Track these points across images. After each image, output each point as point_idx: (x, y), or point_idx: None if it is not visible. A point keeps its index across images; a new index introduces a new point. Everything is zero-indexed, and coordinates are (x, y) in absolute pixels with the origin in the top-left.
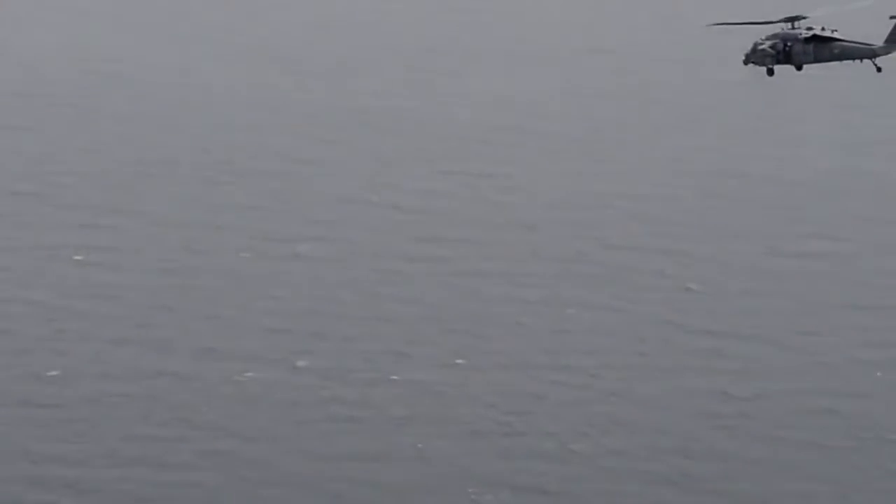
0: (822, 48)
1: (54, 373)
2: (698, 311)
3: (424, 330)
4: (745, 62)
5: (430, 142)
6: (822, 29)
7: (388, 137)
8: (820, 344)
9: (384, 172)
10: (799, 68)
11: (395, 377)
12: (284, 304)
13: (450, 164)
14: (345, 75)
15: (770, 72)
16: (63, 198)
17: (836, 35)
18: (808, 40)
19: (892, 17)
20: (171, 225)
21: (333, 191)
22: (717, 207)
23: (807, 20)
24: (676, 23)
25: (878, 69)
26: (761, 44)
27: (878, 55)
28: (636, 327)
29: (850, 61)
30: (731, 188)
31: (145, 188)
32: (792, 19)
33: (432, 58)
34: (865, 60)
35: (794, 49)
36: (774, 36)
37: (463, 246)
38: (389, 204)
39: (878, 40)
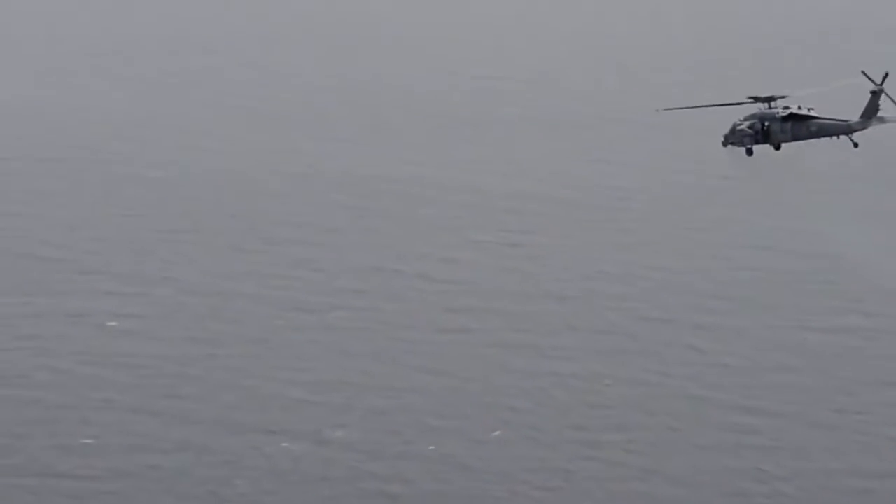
0: (799, 126)
1: (82, 442)
2: (732, 385)
3: (455, 403)
4: (724, 143)
5: (457, 210)
6: (799, 107)
7: (415, 205)
8: (855, 421)
9: (412, 241)
10: (777, 147)
11: (425, 450)
12: (313, 374)
13: (478, 233)
14: (370, 140)
15: (749, 152)
16: (90, 264)
17: (812, 113)
18: (785, 119)
19: (865, 76)
20: (198, 293)
21: (361, 260)
22: (748, 280)
23: (785, 99)
24: (700, 91)
25: (855, 145)
26: (740, 124)
27: (855, 131)
28: (668, 402)
29: (827, 138)
30: (761, 261)
31: (173, 255)
32: (767, 99)
33: (456, 124)
34: (843, 136)
35: (772, 128)
36: (752, 116)
37: (493, 317)
38: (418, 273)
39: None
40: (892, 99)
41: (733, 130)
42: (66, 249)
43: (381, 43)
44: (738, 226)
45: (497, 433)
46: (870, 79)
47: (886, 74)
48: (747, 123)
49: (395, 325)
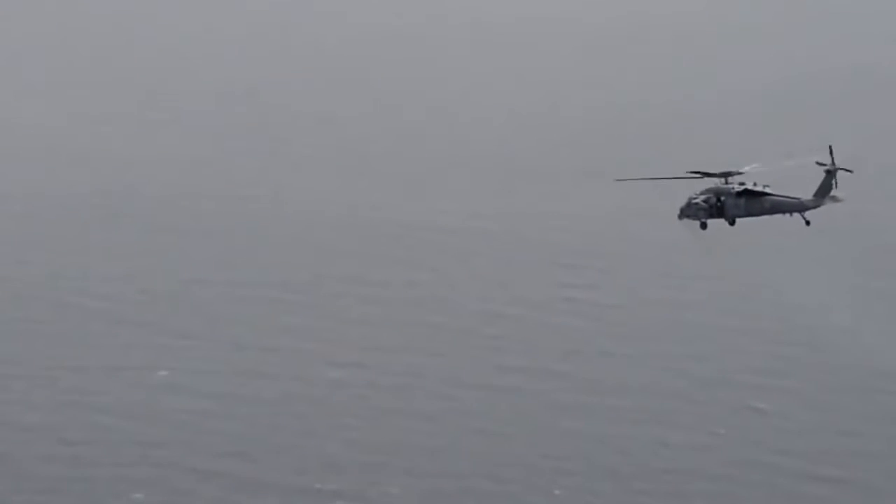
0: (753, 202)
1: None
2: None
3: (507, 470)
4: (680, 216)
5: (503, 264)
6: (754, 184)
7: (459, 256)
8: None
9: (457, 294)
10: (732, 223)
11: None
12: (362, 433)
13: (523, 289)
14: (417, 190)
15: (703, 226)
16: (132, 316)
17: (766, 190)
18: (739, 195)
19: (819, 164)
20: (236, 347)
21: (400, 314)
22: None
23: (742, 175)
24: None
25: (807, 223)
26: (695, 198)
27: (808, 209)
28: (728, 468)
29: (780, 215)
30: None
31: (212, 308)
32: (723, 174)
33: (510, 174)
34: (795, 214)
35: (726, 203)
36: (708, 191)
37: (540, 376)
38: (464, 328)
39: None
40: (841, 169)
41: (689, 204)
42: (106, 300)
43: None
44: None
45: (557, 492)
46: (831, 157)
47: (831, 149)
48: (703, 198)
49: (441, 380)
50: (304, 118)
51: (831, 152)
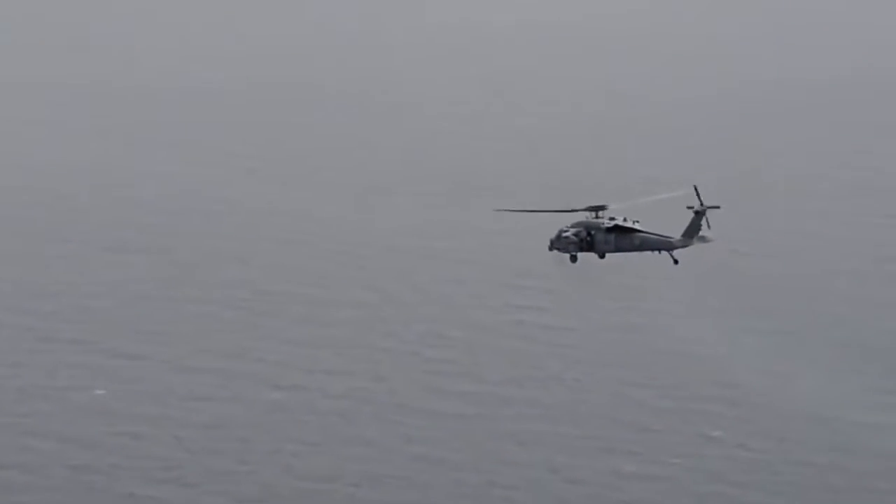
0: (623, 238)
1: None
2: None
3: (452, 500)
4: (550, 248)
5: (451, 284)
6: (624, 219)
7: (405, 275)
8: None
9: (402, 314)
10: (602, 256)
11: None
12: (301, 459)
13: (471, 310)
14: (365, 203)
15: (573, 258)
16: (66, 334)
17: (637, 226)
18: (610, 230)
19: (689, 208)
20: (172, 368)
21: (343, 335)
22: None
23: (608, 210)
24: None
25: (675, 262)
26: (566, 231)
27: (676, 248)
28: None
29: (649, 252)
30: None
31: (149, 327)
32: (595, 208)
33: (462, 188)
34: (664, 252)
35: (596, 238)
36: (578, 224)
37: (488, 402)
38: (408, 350)
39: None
40: (707, 220)
41: (559, 237)
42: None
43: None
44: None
45: None
46: (698, 195)
47: (696, 189)
48: (573, 231)
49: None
50: (249, 127)
51: (698, 193)
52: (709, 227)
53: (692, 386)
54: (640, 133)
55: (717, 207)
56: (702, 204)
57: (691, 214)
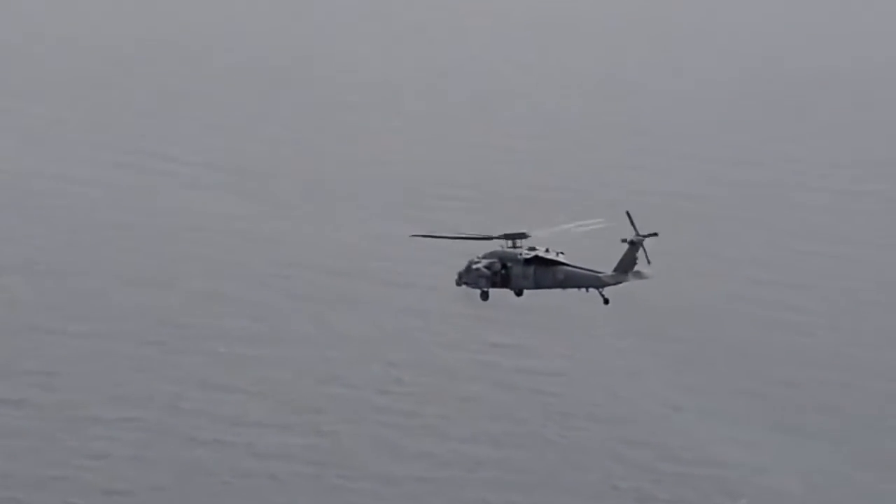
0: (544, 272)
1: None
2: None
3: None
4: (458, 283)
5: (409, 315)
6: (546, 250)
7: (351, 302)
8: None
9: (347, 353)
10: (518, 293)
11: None
12: None
13: (432, 349)
14: (307, 216)
15: (484, 295)
16: None
17: (561, 258)
18: (528, 262)
19: (623, 241)
20: (70, 420)
21: (276, 378)
22: None
23: (529, 239)
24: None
25: (606, 301)
26: (477, 262)
27: (607, 285)
28: None
29: (576, 290)
30: None
31: (45, 366)
32: (513, 237)
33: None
34: (592, 290)
35: (512, 271)
36: (492, 254)
37: (450, 463)
38: (356, 398)
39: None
40: (646, 253)
41: (469, 269)
42: None
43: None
44: None
45: None
46: (632, 223)
47: (630, 215)
48: (485, 263)
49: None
50: (189, 133)
51: (631, 220)
52: (648, 261)
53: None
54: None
55: (655, 235)
56: (637, 233)
57: (625, 246)
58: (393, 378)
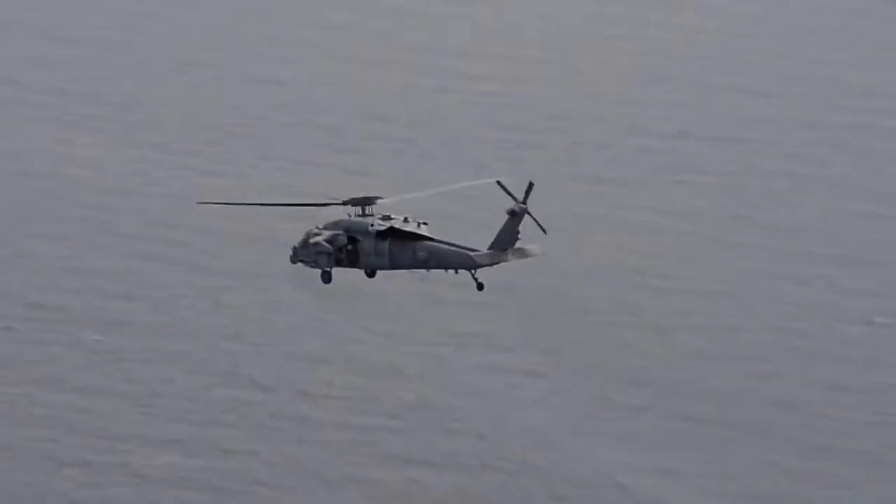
0: (402, 249)
1: None
2: None
3: None
4: (292, 260)
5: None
6: (405, 220)
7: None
8: None
9: None
10: (370, 274)
11: None
12: None
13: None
14: None
15: (326, 276)
16: None
17: (423, 231)
18: (382, 235)
19: (501, 187)
20: None
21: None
22: None
23: (380, 205)
24: None
25: (480, 286)
26: (316, 234)
27: (480, 265)
28: None
29: (442, 271)
30: None
31: None
32: (361, 202)
33: None
34: (463, 271)
35: (362, 246)
36: (336, 224)
37: None
38: None
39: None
40: (538, 223)
41: (305, 243)
42: None
43: None
44: None
45: None
46: (507, 192)
47: (531, 185)
48: (327, 235)
49: None
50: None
51: (505, 188)
52: (544, 231)
53: None
54: None
55: (531, 186)
56: (516, 200)
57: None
58: (319, 379)
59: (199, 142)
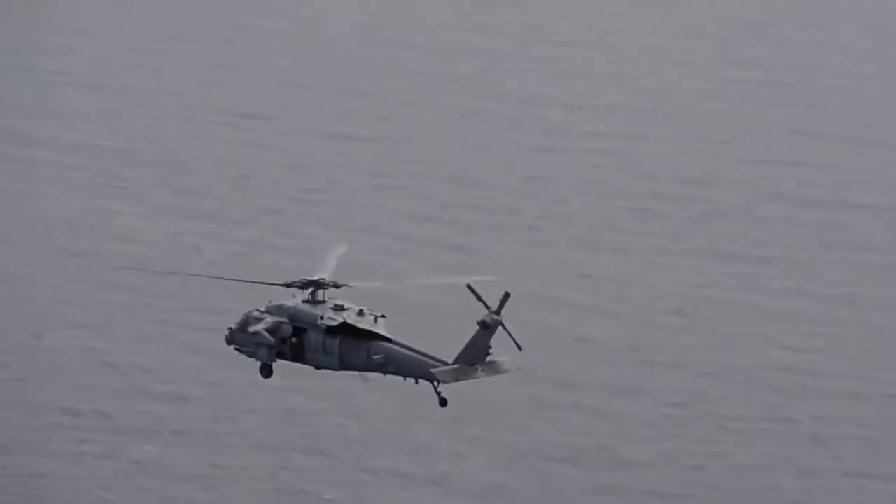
0: (355, 349)
1: None
2: None
3: None
4: (228, 342)
5: None
6: (360, 312)
7: None
8: None
9: None
10: (318, 367)
11: None
12: None
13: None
14: None
15: (266, 371)
16: None
17: (380, 327)
18: (333, 331)
19: (471, 291)
20: None
21: None
22: None
23: (330, 290)
24: None
25: (442, 402)
26: (257, 318)
27: (442, 382)
28: None
29: (401, 378)
30: None
31: None
32: (314, 285)
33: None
34: (424, 382)
35: (309, 341)
36: (280, 309)
37: None
38: None
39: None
40: (512, 337)
41: (244, 327)
42: None
43: None
44: None
45: None
46: (479, 298)
47: (507, 295)
48: (269, 322)
49: None
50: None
51: (475, 293)
52: (519, 347)
53: None
54: None
55: (507, 296)
56: (489, 310)
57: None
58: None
59: (255, 210)
